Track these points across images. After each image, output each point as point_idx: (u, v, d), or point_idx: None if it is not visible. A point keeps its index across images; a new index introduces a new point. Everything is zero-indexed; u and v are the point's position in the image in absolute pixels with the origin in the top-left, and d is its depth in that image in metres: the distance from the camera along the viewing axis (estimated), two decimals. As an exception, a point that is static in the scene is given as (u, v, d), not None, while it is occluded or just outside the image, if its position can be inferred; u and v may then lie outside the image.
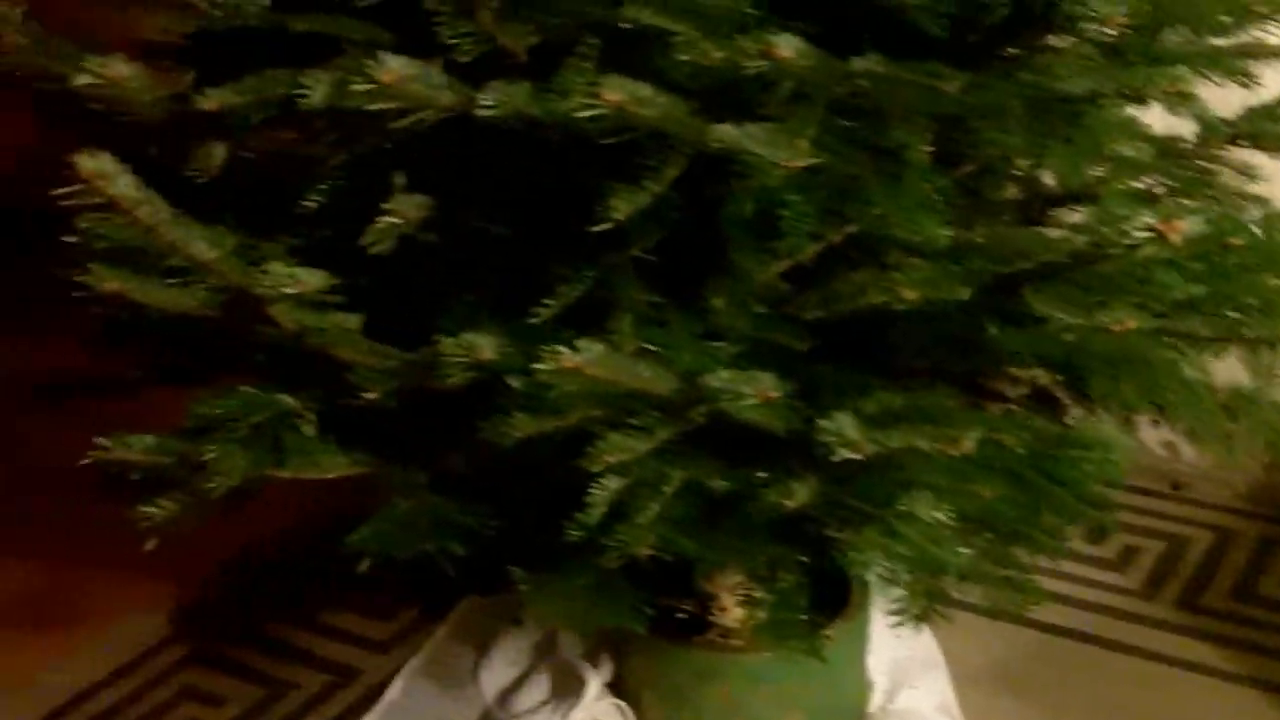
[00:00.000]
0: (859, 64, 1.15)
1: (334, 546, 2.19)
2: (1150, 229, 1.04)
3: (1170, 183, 1.52)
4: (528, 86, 1.14)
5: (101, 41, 1.28)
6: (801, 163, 1.10)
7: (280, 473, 1.28)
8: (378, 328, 1.25)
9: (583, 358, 1.09)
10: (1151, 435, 2.17)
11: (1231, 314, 1.23)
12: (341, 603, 2.13)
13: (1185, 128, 1.49)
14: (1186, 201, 1.45)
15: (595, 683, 1.78)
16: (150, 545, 1.28)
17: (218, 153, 1.22)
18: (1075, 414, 1.46)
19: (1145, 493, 2.23)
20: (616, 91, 1.05)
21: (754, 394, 1.12)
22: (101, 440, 1.23)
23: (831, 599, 1.60)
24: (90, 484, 1.34)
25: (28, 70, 1.25)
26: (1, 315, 2.87)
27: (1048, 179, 1.51)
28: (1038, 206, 1.56)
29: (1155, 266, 1.17)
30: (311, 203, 1.23)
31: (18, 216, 2.69)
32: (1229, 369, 1.35)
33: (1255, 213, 1.37)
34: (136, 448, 1.23)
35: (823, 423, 1.14)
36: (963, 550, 1.23)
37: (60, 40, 1.24)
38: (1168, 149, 1.55)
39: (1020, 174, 1.51)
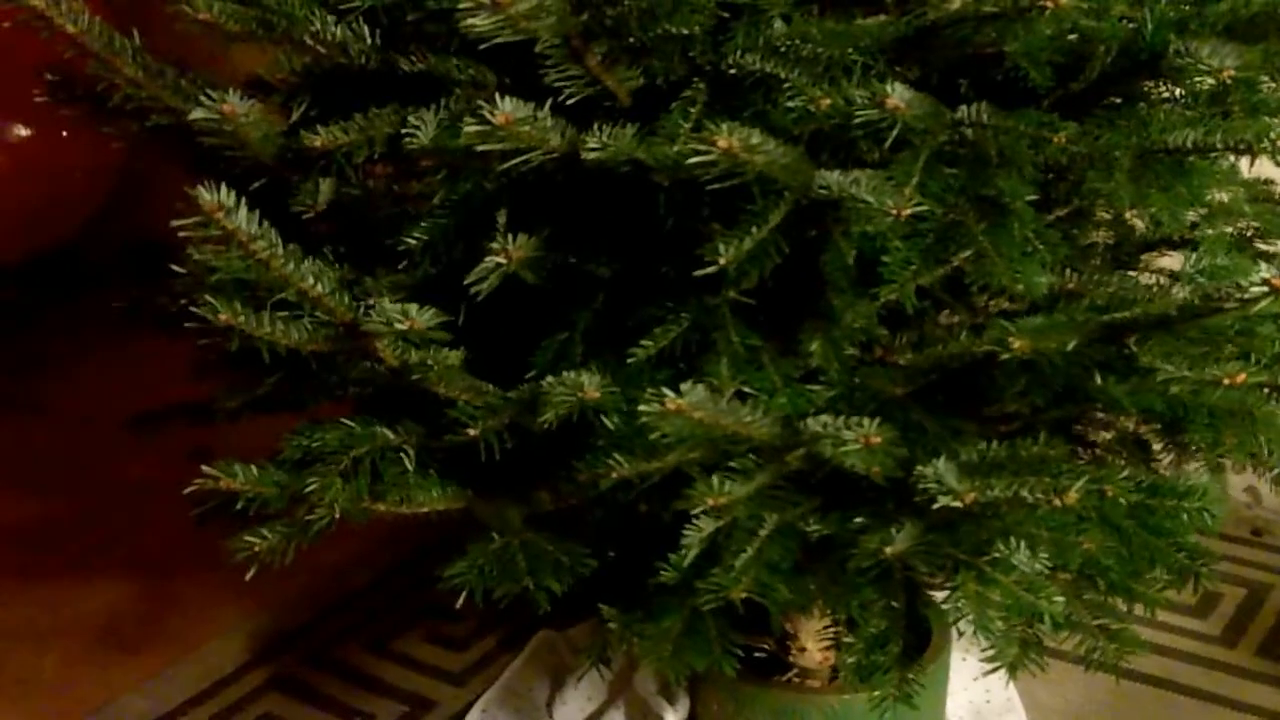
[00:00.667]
0: (967, 113, 1.16)
1: (411, 575, 2.22)
2: (1265, 283, 1.02)
3: (1261, 226, 1.52)
4: (632, 130, 1.14)
5: (206, 74, 1.31)
6: (909, 210, 1.10)
7: (377, 506, 1.28)
8: (473, 362, 1.26)
9: (686, 400, 1.09)
10: (1233, 481, 2.14)
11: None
12: (417, 632, 2.14)
13: (1273, 170, 1.48)
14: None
15: (671, 720, 1.78)
16: (250, 575, 1.29)
17: (324, 189, 1.23)
18: (1165, 458, 1.45)
19: (1226, 538, 2.21)
20: (727, 137, 1.05)
21: (856, 439, 1.11)
22: (206, 469, 1.23)
23: (912, 640, 1.59)
24: (186, 510, 1.36)
25: (139, 102, 1.26)
26: (95, 341, 2.92)
27: (1139, 222, 1.50)
28: (1129, 250, 1.55)
29: (1259, 319, 1.16)
30: (414, 240, 1.24)
31: (104, 243, 2.75)
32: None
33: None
34: (240, 478, 1.24)
35: (923, 470, 1.14)
36: (1058, 599, 1.21)
37: (173, 72, 1.26)
38: (1258, 193, 1.54)
39: (1110, 217, 1.50)
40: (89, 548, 2.36)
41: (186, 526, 1.37)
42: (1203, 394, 1.14)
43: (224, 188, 1.07)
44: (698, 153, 1.07)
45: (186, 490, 1.24)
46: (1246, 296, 1.02)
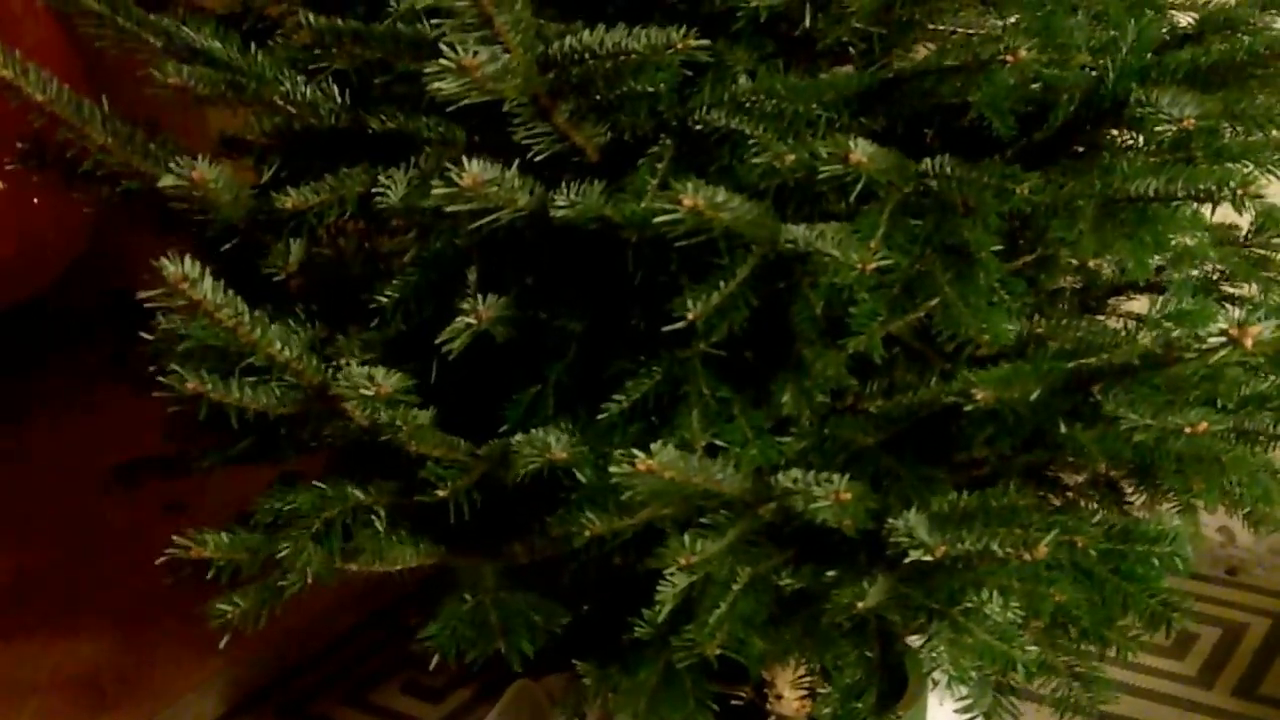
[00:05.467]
0: (930, 165, 1.17)
1: (387, 626, 2.21)
2: (1223, 333, 1.03)
3: (1227, 269, 1.54)
4: (600, 188, 1.15)
5: (177, 137, 1.31)
6: (874, 264, 1.11)
7: (350, 566, 1.28)
8: (446, 416, 1.26)
9: (657, 460, 1.10)
10: (1206, 520, 2.15)
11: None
12: (394, 683, 2.13)
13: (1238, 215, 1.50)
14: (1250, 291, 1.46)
15: (650, 769, 1.77)
16: (223, 643, 1.29)
17: (295, 250, 1.23)
18: (1137, 500, 1.46)
19: (1201, 578, 2.21)
20: (693, 196, 1.06)
21: (826, 495, 1.12)
22: (178, 538, 1.23)
23: (888, 688, 1.59)
24: (160, 573, 1.35)
25: (110, 168, 1.27)
26: (71, 392, 2.92)
27: (1106, 268, 1.51)
28: (1097, 295, 1.56)
29: (1224, 365, 1.17)
30: (386, 298, 1.24)
31: (79, 295, 2.75)
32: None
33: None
34: (211, 545, 1.23)
35: (894, 523, 1.14)
36: (1031, 648, 1.22)
37: (143, 137, 1.26)
38: (1223, 237, 1.56)
39: (1077, 263, 1.51)
40: (65, 600, 2.35)
41: (166, 585, 1.37)
42: (1168, 441, 1.15)
43: (189, 259, 1.07)
44: (664, 211, 1.08)
45: (158, 561, 1.24)
46: (1205, 347, 1.03)
